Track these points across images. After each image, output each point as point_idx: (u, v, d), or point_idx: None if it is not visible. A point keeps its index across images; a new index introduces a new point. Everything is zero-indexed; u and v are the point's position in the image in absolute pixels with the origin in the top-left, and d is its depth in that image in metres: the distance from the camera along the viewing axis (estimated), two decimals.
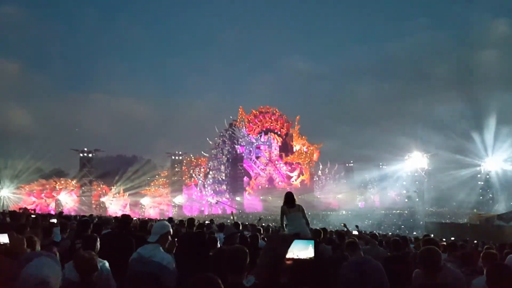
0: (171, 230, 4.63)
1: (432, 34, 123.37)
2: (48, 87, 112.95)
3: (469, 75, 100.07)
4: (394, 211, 50.37)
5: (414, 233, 32.97)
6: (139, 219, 20.38)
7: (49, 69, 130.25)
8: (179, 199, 57.53)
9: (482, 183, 50.05)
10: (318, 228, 9.04)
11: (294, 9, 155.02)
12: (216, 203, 55.03)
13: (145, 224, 8.47)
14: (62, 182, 51.76)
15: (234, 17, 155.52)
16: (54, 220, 10.00)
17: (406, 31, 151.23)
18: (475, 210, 44.51)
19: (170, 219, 14.39)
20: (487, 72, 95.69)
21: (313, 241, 2.99)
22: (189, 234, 7.36)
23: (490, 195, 48.96)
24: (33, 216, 12.72)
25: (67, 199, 50.39)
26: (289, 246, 2.91)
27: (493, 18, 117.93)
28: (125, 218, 6.40)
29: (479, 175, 50.95)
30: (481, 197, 50.21)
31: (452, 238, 14.28)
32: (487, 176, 49.49)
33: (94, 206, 50.90)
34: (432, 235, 15.22)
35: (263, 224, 20.33)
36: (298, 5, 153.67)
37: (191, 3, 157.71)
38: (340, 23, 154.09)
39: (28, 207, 31.81)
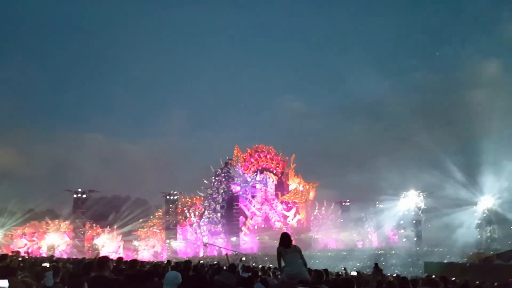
0: None
1: (423, 74, 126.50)
2: (39, 125, 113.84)
3: (460, 115, 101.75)
4: (392, 251, 49.63)
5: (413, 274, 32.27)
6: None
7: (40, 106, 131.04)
8: (174, 241, 56.48)
9: (479, 221, 49.83)
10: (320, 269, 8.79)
11: (287, 49, 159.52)
12: (205, 245, 53.39)
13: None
14: (56, 222, 50.68)
15: (227, 56, 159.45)
16: (47, 264, 9.79)
17: (398, 71, 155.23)
18: (475, 250, 44.01)
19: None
20: (478, 111, 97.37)
21: None
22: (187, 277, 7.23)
23: (488, 234, 48.64)
24: (20, 259, 12.44)
25: (59, 242, 49.26)
26: None
27: (483, 59, 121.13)
28: (103, 260, 6.13)
29: (475, 214, 50.78)
30: (479, 236, 49.80)
31: (453, 279, 14.04)
32: (484, 215, 49.35)
33: (86, 248, 49.78)
34: (433, 276, 14.99)
35: (260, 265, 19.94)
36: (291, 45, 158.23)
37: (188, 40, 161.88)
38: (331, 63, 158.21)
39: (20, 250, 31.03)
